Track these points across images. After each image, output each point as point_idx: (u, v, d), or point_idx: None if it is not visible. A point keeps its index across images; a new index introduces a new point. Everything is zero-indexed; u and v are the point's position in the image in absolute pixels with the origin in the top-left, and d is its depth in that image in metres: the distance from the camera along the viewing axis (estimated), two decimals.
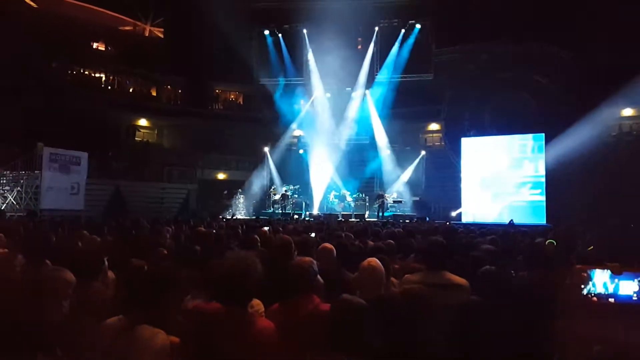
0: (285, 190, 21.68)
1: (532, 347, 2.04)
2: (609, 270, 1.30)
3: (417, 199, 22.05)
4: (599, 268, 1.32)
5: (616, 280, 1.30)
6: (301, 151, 24.72)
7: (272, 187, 22.97)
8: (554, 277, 2.55)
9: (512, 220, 13.45)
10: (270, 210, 21.62)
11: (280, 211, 20.98)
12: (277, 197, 21.76)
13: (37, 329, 2.12)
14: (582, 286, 1.32)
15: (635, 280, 1.28)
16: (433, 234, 7.43)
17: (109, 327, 2.19)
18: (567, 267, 1.30)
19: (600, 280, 1.31)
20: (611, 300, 1.29)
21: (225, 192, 21.93)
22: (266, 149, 24.38)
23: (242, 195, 21.97)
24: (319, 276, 3.39)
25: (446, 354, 2.23)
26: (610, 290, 1.30)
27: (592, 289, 1.31)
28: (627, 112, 21.25)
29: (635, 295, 1.28)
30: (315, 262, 2.95)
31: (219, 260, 2.34)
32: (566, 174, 17.80)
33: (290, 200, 21.54)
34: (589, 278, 1.31)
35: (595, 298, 1.30)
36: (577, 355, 1.33)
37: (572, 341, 1.34)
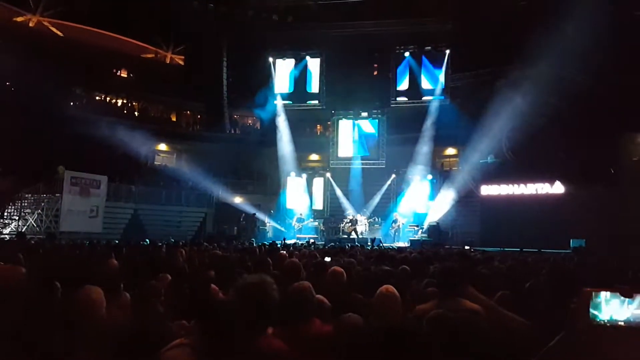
0: (300, 214, 21.68)
1: None
2: (618, 294, 1.27)
3: (435, 223, 21.74)
4: (608, 291, 1.28)
5: (627, 304, 1.27)
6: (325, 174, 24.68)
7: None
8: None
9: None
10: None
11: (296, 235, 20.94)
12: (292, 221, 21.76)
13: None
14: (590, 310, 1.28)
15: None
16: (450, 259, 7.32)
17: None
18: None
19: (609, 304, 1.28)
20: (621, 324, 1.25)
21: (243, 215, 22.01)
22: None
23: (258, 219, 22.00)
24: (325, 299, 3.36)
25: None
26: (621, 316, 1.27)
27: (600, 313, 1.28)
28: None
29: None
30: (311, 286, 2.90)
31: (237, 282, 2.29)
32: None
33: (306, 224, 21.51)
34: (598, 302, 1.28)
35: (603, 322, 1.26)
36: None
37: None
